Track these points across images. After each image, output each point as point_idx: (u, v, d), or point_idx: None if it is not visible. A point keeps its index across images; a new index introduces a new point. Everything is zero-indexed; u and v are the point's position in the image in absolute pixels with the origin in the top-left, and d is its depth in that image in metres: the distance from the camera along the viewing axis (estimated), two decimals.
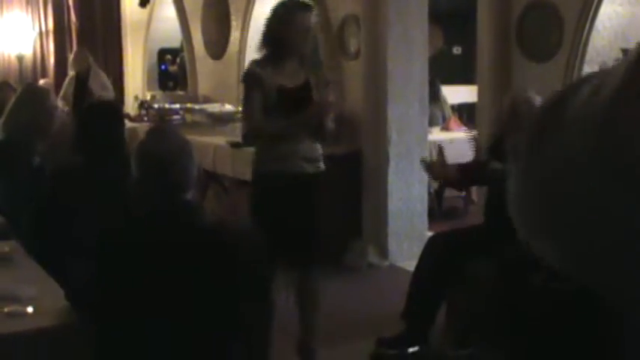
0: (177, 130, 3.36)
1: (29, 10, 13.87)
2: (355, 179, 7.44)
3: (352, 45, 7.63)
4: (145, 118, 10.47)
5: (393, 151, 7.29)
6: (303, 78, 4.91)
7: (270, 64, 4.85)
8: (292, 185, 4.79)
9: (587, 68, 5.58)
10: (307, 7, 4.99)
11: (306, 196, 4.88)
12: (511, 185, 1.00)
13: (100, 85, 10.41)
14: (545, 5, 5.78)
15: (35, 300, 3.25)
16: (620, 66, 0.89)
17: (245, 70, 5.05)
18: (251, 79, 4.87)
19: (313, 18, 4.97)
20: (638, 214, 0.84)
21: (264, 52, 4.94)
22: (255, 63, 4.95)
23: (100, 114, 4.51)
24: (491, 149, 5.18)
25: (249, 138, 5.21)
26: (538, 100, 4.86)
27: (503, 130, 5.03)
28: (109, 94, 10.38)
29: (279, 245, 4.54)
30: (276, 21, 4.88)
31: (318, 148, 4.97)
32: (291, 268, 4.97)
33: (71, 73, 10.82)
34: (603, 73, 0.93)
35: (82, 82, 10.36)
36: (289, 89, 4.80)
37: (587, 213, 0.88)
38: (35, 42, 13.99)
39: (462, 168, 5.35)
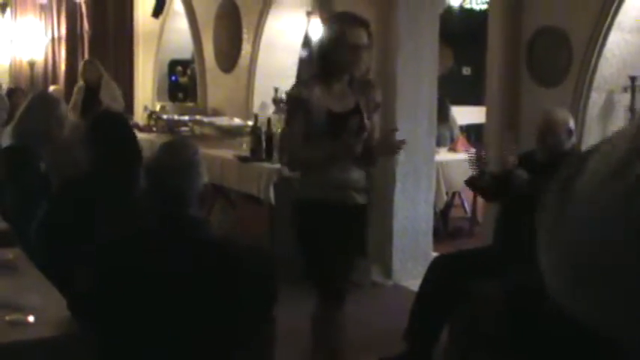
0: (191, 143, 3.36)
1: (42, 16, 13.96)
2: None
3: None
4: (154, 129, 10.50)
5: (399, 170, 7.29)
6: (353, 101, 4.56)
7: (317, 84, 4.51)
8: (341, 214, 4.54)
9: (595, 95, 5.60)
10: (362, 23, 4.62)
11: (353, 226, 4.69)
12: (542, 258, 1.02)
13: (110, 96, 10.33)
14: (555, 31, 5.80)
15: (37, 309, 3.24)
16: (627, 132, 0.92)
17: (289, 91, 4.71)
18: (295, 101, 4.53)
19: (366, 36, 4.56)
20: None
21: (312, 70, 4.67)
22: (301, 83, 4.70)
23: (108, 124, 4.51)
24: (520, 164, 5.17)
25: (291, 165, 5.02)
26: (571, 120, 4.90)
27: (537, 145, 5.02)
28: (119, 106, 10.31)
29: (319, 272, 4.60)
30: (328, 36, 4.55)
31: (365, 177, 4.71)
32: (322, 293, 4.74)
33: (80, 82, 10.73)
34: (609, 143, 0.96)
35: (92, 92, 10.30)
36: (338, 114, 4.47)
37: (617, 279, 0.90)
38: (47, 48, 14.08)
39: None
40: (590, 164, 0.94)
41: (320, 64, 4.58)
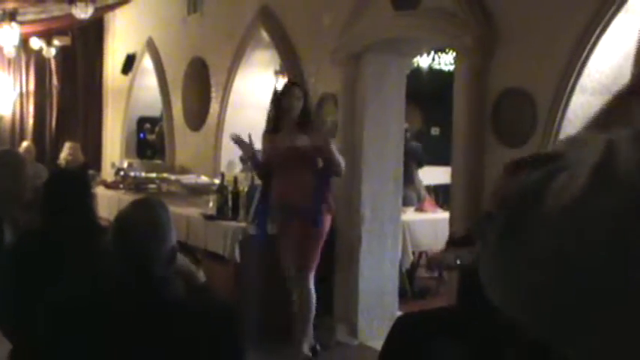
0: (162, 202, 3.32)
1: (11, 71, 13.93)
2: (327, 256, 7.43)
3: (329, 123, 7.69)
4: (121, 186, 10.46)
5: (365, 229, 7.30)
6: None
7: None
8: None
9: None
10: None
11: None
12: (485, 267, 1.05)
13: None
14: (520, 93, 5.86)
15: None
16: (588, 157, 0.94)
17: None
18: None
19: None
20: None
21: None
22: None
23: (65, 180, 4.46)
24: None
25: None
26: None
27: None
28: None
29: None
30: None
31: None
32: None
33: None
34: (574, 162, 0.97)
35: None
36: None
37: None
38: (15, 103, 14.02)
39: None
40: (553, 188, 0.97)
41: None
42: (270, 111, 7.08)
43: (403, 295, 8.14)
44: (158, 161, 11.99)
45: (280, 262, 6.69)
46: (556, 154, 1.05)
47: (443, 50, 14.02)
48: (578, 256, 0.92)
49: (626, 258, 0.91)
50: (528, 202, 0.98)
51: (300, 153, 6.43)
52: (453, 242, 5.51)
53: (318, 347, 6.77)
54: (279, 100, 6.75)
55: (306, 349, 6.61)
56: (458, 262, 4.95)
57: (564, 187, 0.95)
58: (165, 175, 10.23)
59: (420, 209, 9.23)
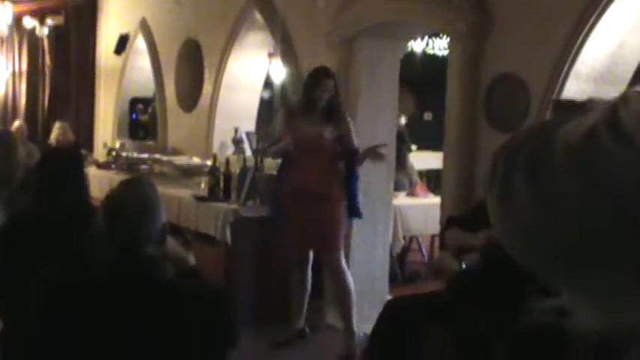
0: (150, 181, 3.31)
1: (4, 50, 13.88)
2: None
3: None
4: (113, 166, 10.44)
5: None
6: None
7: None
8: None
9: None
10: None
11: None
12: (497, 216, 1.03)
13: None
14: (514, 78, 5.85)
15: None
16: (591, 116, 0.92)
17: None
18: None
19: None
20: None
21: None
22: None
23: (58, 160, 4.44)
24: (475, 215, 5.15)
25: None
26: None
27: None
28: None
29: None
30: None
31: None
32: None
33: None
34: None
35: None
36: None
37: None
38: (8, 82, 13.97)
39: None
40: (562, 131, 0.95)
41: None
42: (299, 95, 6.98)
43: (393, 280, 8.15)
44: (150, 142, 11.96)
45: (291, 247, 6.74)
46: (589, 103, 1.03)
47: (437, 35, 14.01)
48: (584, 217, 0.89)
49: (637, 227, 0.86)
50: (542, 144, 0.96)
51: (325, 142, 6.44)
52: (452, 221, 5.49)
53: (307, 330, 6.79)
54: (310, 88, 6.54)
55: (360, 332, 6.62)
56: (464, 265, 4.95)
57: (570, 132, 0.92)
58: (157, 156, 10.20)
59: (411, 194, 9.23)
